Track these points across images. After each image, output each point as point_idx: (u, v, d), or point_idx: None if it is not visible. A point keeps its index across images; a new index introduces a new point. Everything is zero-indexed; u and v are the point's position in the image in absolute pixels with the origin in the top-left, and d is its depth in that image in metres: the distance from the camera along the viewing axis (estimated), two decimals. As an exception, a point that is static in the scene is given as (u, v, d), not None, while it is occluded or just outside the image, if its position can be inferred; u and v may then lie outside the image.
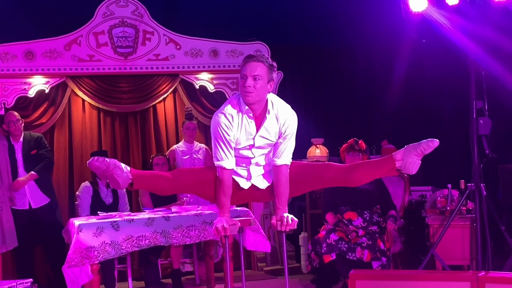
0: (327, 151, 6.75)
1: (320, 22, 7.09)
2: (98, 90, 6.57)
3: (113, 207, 5.71)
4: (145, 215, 4.97)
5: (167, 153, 6.34)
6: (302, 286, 5.82)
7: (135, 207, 6.26)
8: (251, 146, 3.36)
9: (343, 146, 5.40)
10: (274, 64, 3.33)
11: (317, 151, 6.73)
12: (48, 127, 6.44)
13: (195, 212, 5.08)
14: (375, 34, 7.01)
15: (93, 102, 6.58)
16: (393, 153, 3.34)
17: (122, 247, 4.67)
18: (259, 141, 3.35)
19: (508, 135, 6.40)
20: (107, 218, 4.80)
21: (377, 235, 5.11)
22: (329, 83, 7.86)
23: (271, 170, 3.44)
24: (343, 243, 5.02)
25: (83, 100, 6.59)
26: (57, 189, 6.26)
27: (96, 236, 4.58)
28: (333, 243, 5.01)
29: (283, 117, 3.33)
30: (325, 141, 6.86)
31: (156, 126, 6.80)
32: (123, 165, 3.30)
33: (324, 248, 5.01)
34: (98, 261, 4.61)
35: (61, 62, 6.35)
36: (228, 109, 3.31)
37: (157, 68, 6.63)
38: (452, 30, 5.86)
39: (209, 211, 5.07)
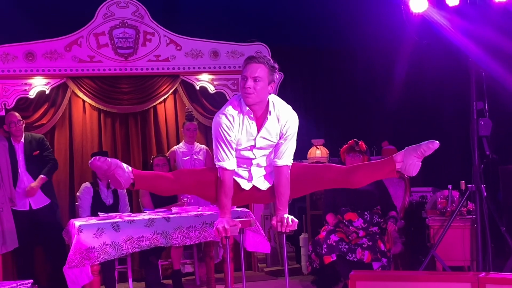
0: (328, 152, 6.75)
1: (321, 23, 7.10)
2: (98, 91, 6.58)
3: (114, 208, 5.70)
4: (145, 216, 4.97)
5: (167, 154, 6.34)
6: (303, 287, 5.82)
7: (136, 208, 6.26)
8: (252, 147, 3.37)
9: (343, 147, 5.40)
10: (276, 65, 3.33)
11: (318, 152, 6.73)
12: (49, 128, 6.45)
13: (195, 213, 5.08)
14: (376, 34, 7.01)
15: (93, 103, 6.58)
16: (393, 155, 3.34)
17: (123, 248, 4.67)
18: (260, 142, 3.36)
19: (509, 136, 6.40)
20: (107, 219, 4.79)
21: (377, 236, 5.11)
22: (329, 84, 7.86)
23: (273, 171, 3.44)
24: (344, 244, 5.02)
25: (84, 101, 6.60)
26: (58, 190, 6.26)
27: (97, 237, 4.58)
28: (334, 244, 5.01)
29: (284, 118, 3.33)
30: (325, 142, 6.86)
31: (156, 127, 6.80)
32: (124, 165, 3.30)
33: (325, 249, 5.01)
34: (98, 262, 4.61)
35: (61, 63, 6.35)
36: (229, 110, 3.32)
37: (158, 69, 6.63)
38: (453, 31, 5.86)
39: (210, 212, 5.07)
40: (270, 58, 3.35)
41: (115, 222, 4.69)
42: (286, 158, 3.38)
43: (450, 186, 5.50)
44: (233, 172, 3.37)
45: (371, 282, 3.98)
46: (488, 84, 5.26)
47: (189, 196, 5.72)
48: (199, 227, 4.92)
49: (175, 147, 6.43)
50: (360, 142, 5.32)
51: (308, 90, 7.91)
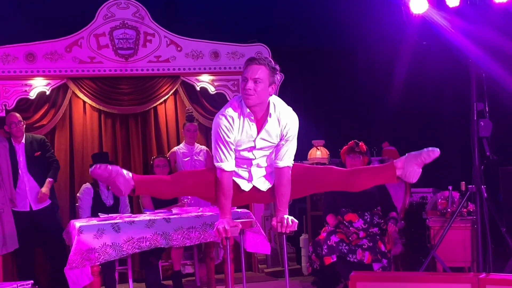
0: (328, 152, 6.75)
1: (321, 24, 7.10)
2: (99, 92, 6.58)
3: (114, 208, 5.70)
4: (145, 216, 4.97)
5: (168, 155, 6.34)
6: (303, 288, 5.83)
7: (136, 209, 6.26)
8: (252, 148, 3.37)
9: (344, 148, 5.40)
10: (277, 67, 3.32)
11: (318, 153, 6.73)
12: (49, 129, 6.45)
13: (195, 213, 5.08)
14: (376, 35, 7.01)
15: (94, 104, 6.58)
16: (394, 161, 3.36)
17: (123, 249, 4.67)
18: (260, 143, 3.36)
19: (509, 137, 6.40)
20: (107, 220, 4.79)
21: (377, 237, 5.11)
22: (330, 84, 7.86)
23: (273, 172, 3.44)
24: (344, 245, 5.02)
25: (84, 102, 6.60)
26: (58, 190, 6.26)
27: (97, 238, 4.58)
28: (334, 245, 5.01)
29: (284, 119, 3.33)
30: (325, 143, 6.86)
31: (157, 127, 6.80)
32: (125, 171, 3.30)
33: (325, 250, 5.01)
34: (98, 263, 4.61)
35: (62, 64, 6.35)
36: (229, 111, 3.32)
37: (158, 70, 6.64)
38: (453, 32, 5.86)
39: (210, 213, 5.07)
40: (271, 59, 3.35)
41: (116, 223, 4.69)
42: (287, 159, 3.38)
43: (450, 187, 5.50)
44: (232, 173, 3.37)
45: (372, 283, 3.98)
46: (489, 85, 5.26)
47: (189, 197, 5.72)
48: (199, 228, 4.92)
49: (175, 148, 6.43)
50: (360, 143, 5.32)
51: (308, 90, 7.91)
